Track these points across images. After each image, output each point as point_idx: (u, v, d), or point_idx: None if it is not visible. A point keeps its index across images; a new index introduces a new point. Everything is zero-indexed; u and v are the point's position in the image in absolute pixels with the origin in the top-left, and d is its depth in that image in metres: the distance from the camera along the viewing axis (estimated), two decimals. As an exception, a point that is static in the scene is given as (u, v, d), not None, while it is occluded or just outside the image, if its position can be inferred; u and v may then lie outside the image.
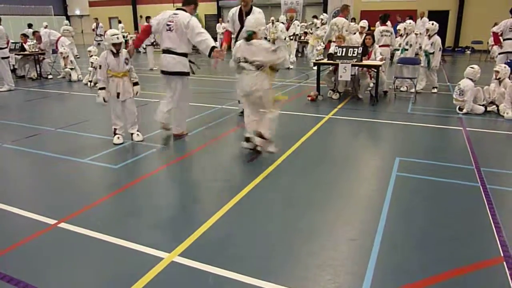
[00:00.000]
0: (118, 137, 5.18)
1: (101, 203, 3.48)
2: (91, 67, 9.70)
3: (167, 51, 4.97)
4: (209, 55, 4.85)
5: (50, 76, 11.37)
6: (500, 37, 8.28)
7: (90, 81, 9.67)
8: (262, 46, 4.30)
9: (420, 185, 3.85)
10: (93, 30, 18.86)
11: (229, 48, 6.02)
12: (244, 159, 4.60)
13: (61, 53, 10.76)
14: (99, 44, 18.13)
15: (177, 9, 5.05)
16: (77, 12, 28.39)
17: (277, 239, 2.89)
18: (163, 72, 5.10)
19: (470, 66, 6.73)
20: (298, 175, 4.13)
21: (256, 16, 4.94)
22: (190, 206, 3.50)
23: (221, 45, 6.19)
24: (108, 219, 3.22)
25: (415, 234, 2.96)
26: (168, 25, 4.90)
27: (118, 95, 5.02)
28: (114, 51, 4.91)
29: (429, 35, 8.15)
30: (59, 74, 11.43)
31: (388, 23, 9.09)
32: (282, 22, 13.68)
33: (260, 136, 4.43)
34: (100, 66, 4.98)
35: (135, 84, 5.18)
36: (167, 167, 4.35)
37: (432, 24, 8.23)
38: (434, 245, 2.81)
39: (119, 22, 19.03)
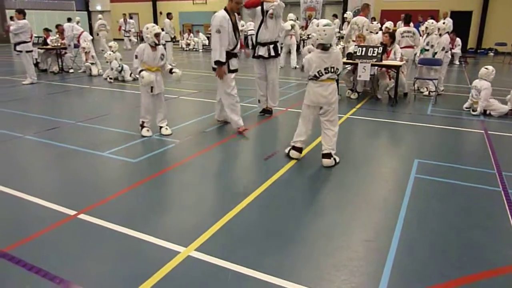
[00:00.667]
0: (148, 130, 5.32)
1: (120, 196, 3.54)
2: (106, 62, 9.86)
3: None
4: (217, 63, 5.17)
5: (71, 70, 11.57)
6: None
7: (111, 78, 9.81)
8: (339, 53, 4.16)
9: (439, 188, 3.79)
10: (120, 27, 19.16)
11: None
12: (262, 156, 4.60)
13: (83, 47, 10.94)
14: (130, 39, 18.43)
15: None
16: (98, 8, 28.81)
17: (293, 238, 2.88)
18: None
19: (485, 67, 6.60)
20: (316, 174, 4.11)
21: (333, 28, 4.16)
22: (208, 201, 3.52)
23: (254, 2, 6.09)
24: (126, 212, 3.26)
25: (433, 237, 2.91)
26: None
27: (151, 89, 5.12)
28: (157, 41, 5.06)
29: (440, 34, 7.99)
30: (80, 69, 11.62)
31: (411, 24, 8.96)
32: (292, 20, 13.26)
33: (329, 156, 4.26)
34: (136, 56, 5.09)
35: (171, 71, 5.30)
36: (186, 162, 4.39)
37: (443, 23, 8.07)
38: (453, 249, 2.77)
39: (130, 17, 19.26)
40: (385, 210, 3.36)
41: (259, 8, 6.03)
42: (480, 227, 3.06)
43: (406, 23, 8.79)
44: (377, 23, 9.84)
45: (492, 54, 17.55)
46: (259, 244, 2.79)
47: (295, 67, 12.00)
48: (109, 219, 3.08)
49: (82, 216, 3.14)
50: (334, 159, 4.29)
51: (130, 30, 19.00)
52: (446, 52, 7.93)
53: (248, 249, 2.72)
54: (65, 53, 11.63)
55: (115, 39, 13.83)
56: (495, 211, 3.33)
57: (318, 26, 4.02)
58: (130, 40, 19.16)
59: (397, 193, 3.65)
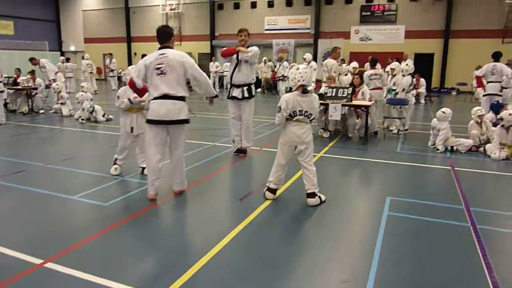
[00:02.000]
0: (116, 168, 5.31)
1: (90, 242, 3.41)
2: (78, 102, 9.79)
3: (164, 96, 4.19)
4: (210, 98, 4.84)
5: (41, 111, 11.38)
6: (484, 80, 8.63)
7: (82, 119, 9.68)
8: (316, 100, 4.30)
9: (411, 225, 3.86)
10: (106, 66, 19.18)
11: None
12: (238, 196, 4.59)
13: (54, 88, 10.85)
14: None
15: (160, 47, 4.28)
16: (72, 48, 28.86)
17: (269, 280, 2.84)
18: (159, 122, 4.23)
19: (441, 110, 6.98)
20: (291, 214, 4.12)
21: (310, 70, 4.45)
22: (180, 247, 3.44)
23: (229, 52, 6.25)
24: (96, 259, 3.14)
25: (407, 277, 2.94)
26: (158, 68, 4.14)
27: (132, 129, 5.19)
28: None
29: (403, 75, 8.42)
30: (51, 109, 11.46)
31: (378, 66, 9.39)
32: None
33: (313, 196, 4.29)
34: (118, 97, 5.17)
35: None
36: (161, 204, 4.31)
37: (407, 64, 8.54)
38: (427, 287, 2.79)
39: (110, 56, 19.35)
40: (360, 249, 3.38)
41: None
42: (453, 264, 3.11)
43: (372, 66, 9.21)
44: (347, 65, 10.26)
45: (454, 93, 18.50)
46: (235, 289, 2.73)
47: None
48: (79, 267, 2.95)
49: (49, 265, 3.00)
50: (319, 197, 4.33)
51: (114, 70, 19.01)
52: (407, 92, 8.30)
53: (224, 294, 2.66)
54: (36, 93, 11.47)
55: (96, 79, 13.82)
56: (465, 247, 3.40)
57: (298, 69, 4.19)
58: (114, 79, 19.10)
59: (372, 231, 3.69)
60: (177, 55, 4.23)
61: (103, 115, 9.80)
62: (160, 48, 4.28)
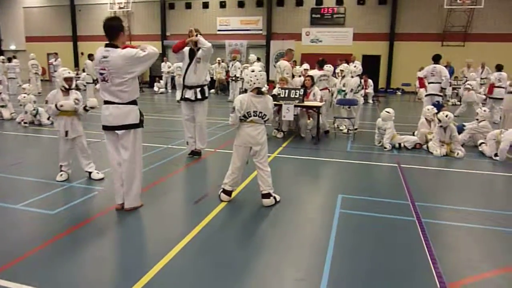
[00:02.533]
0: (61, 175, 5.13)
1: (36, 254, 3.23)
2: (20, 105, 9.27)
3: (108, 102, 3.96)
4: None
5: (-21, 114, 10.61)
6: (425, 81, 9.15)
7: (25, 122, 9.14)
8: (271, 102, 4.31)
9: (362, 221, 4.02)
10: (50, 64, 18.12)
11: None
12: (193, 199, 4.54)
13: (-6, 90, 10.17)
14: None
15: (106, 45, 3.88)
16: (13, 47, 27.15)
17: (225, 282, 2.84)
18: (107, 127, 4.03)
19: (385, 110, 7.37)
20: (247, 215, 4.14)
21: (264, 73, 4.34)
22: (134, 253, 3.35)
23: (180, 45, 6.11)
24: (42, 271, 2.98)
25: (360, 272, 3.05)
26: (101, 73, 3.84)
27: (66, 133, 5.01)
28: (66, 86, 5.02)
29: (351, 76, 8.78)
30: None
31: (326, 67, 9.65)
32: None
33: (268, 196, 4.33)
34: (47, 101, 4.99)
35: (85, 108, 5.09)
36: (111, 211, 4.16)
37: (355, 66, 8.90)
38: (378, 282, 2.92)
39: (55, 55, 18.42)
40: (314, 246, 3.46)
41: (186, 51, 6.14)
42: (401, 258, 3.28)
43: (320, 67, 9.45)
44: (299, 67, 10.42)
45: (399, 93, 19.44)
46: (191, 294, 2.71)
47: None
48: (25, 280, 2.79)
49: (-10, 279, 2.82)
50: (274, 197, 4.38)
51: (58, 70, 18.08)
52: (355, 93, 8.63)
53: (180, 300, 2.63)
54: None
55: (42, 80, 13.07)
56: (412, 241, 3.59)
57: (253, 71, 4.21)
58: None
59: (324, 229, 3.80)
60: (117, 58, 3.76)
61: (48, 118, 9.31)
62: (106, 46, 3.87)
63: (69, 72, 5.10)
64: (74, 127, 5.06)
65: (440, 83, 8.94)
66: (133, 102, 4.02)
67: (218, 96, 17.38)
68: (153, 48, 3.90)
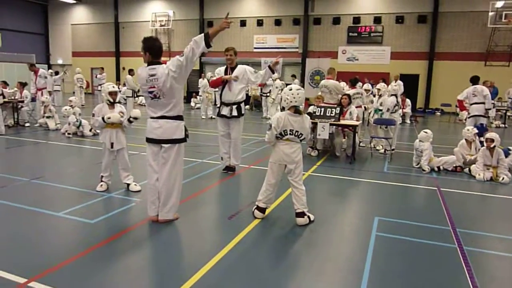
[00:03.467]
0: (102, 185, 5.29)
1: (76, 261, 3.34)
2: (63, 116, 9.72)
3: (160, 117, 4.08)
4: (207, 42, 3.86)
5: (27, 124, 11.23)
6: (466, 103, 8.90)
7: (69, 133, 9.57)
8: (308, 121, 4.33)
9: (399, 246, 3.89)
10: (95, 77, 19.07)
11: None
12: (226, 215, 4.56)
13: (43, 102, 10.75)
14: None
15: (149, 63, 4.05)
16: (60, 61, 28.67)
17: (259, 302, 2.81)
18: (153, 140, 4.12)
19: (424, 130, 7.17)
20: (280, 234, 4.10)
21: (303, 91, 4.30)
22: (168, 267, 3.39)
23: (217, 83, 6.34)
24: (82, 278, 3.07)
25: (397, 297, 2.94)
26: (150, 92, 3.98)
27: (112, 145, 5.19)
28: (111, 100, 5.23)
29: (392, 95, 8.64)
30: (36, 122, 11.31)
31: (364, 86, 9.55)
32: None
33: (302, 215, 4.30)
34: (93, 114, 5.20)
35: (129, 119, 5.29)
36: (147, 223, 4.25)
37: (395, 85, 8.76)
38: (416, 309, 2.80)
39: (102, 70, 19.25)
40: (349, 270, 3.38)
41: (223, 70, 6.30)
42: (441, 285, 3.13)
43: (353, 85, 9.36)
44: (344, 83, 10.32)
45: (439, 113, 18.89)
46: (224, 311, 2.69)
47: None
48: (64, 286, 2.89)
49: (33, 284, 2.92)
50: (308, 217, 4.33)
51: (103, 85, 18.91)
52: (392, 112, 8.47)
53: (213, 316, 2.62)
54: (22, 106, 11.34)
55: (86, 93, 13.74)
56: (453, 269, 3.43)
57: (291, 90, 4.23)
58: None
59: (360, 252, 3.70)
60: (164, 73, 3.93)
61: (90, 130, 9.71)
62: (149, 64, 4.03)
63: (113, 87, 5.33)
64: (119, 139, 5.24)
65: (484, 103, 8.64)
66: (181, 118, 4.16)
67: (253, 112, 17.53)
68: (188, 48, 3.89)
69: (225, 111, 6.33)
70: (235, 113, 6.30)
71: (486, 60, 18.52)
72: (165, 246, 3.76)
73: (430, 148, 7.06)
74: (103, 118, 5.11)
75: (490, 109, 8.88)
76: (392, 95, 8.60)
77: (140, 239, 3.88)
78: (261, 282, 3.09)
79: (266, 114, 15.07)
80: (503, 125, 14.30)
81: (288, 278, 3.19)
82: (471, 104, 8.91)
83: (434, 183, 6.28)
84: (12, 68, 22.06)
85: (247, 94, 16.51)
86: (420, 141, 7.14)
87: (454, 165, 7.02)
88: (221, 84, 6.31)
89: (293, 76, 17.50)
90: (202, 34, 3.88)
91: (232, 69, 6.29)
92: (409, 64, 19.77)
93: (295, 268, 3.36)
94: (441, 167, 7.02)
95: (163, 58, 4.14)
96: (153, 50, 4.06)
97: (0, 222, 4.24)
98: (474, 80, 9.00)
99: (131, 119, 5.29)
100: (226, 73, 6.29)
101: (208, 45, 3.86)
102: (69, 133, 9.56)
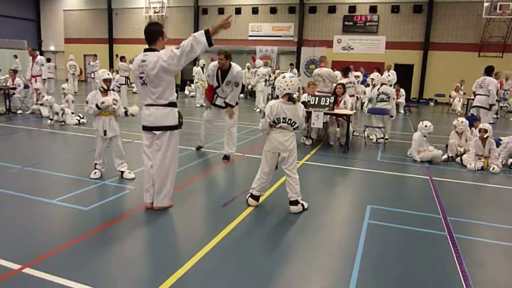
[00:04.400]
0: (95, 172, 5.29)
1: (70, 247, 3.35)
2: (44, 105, 9.63)
3: (149, 105, 4.06)
4: (209, 40, 3.82)
5: (19, 111, 11.12)
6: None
7: (51, 119, 9.42)
8: (301, 110, 4.31)
9: (391, 233, 3.94)
10: (89, 64, 18.86)
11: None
12: (220, 202, 4.59)
13: (36, 89, 10.62)
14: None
15: (145, 50, 4.03)
16: (52, 48, 28.32)
17: (250, 287, 2.86)
18: (146, 128, 4.12)
19: (425, 124, 7.09)
20: (274, 221, 4.14)
21: (297, 79, 4.31)
22: (162, 254, 3.41)
23: (210, 94, 6.53)
24: (76, 264, 3.09)
25: (387, 284, 3.00)
26: (140, 77, 3.96)
27: (105, 132, 5.18)
28: (105, 87, 5.21)
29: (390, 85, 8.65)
30: (29, 110, 11.20)
31: (355, 73, 9.56)
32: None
33: (296, 203, 4.34)
34: (87, 101, 5.19)
35: (126, 113, 5.36)
36: (141, 210, 4.26)
37: (389, 75, 8.75)
38: (406, 295, 2.86)
39: (94, 57, 19.03)
40: (341, 256, 3.43)
41: (215, 73, 6.38)
42: (431, 273, 3.19)
43: (345, 75, 9.35)
44: (338, 71, 10.31)
45: (432, 104, 18.98)
46: (218, 296, 2.73)
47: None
48: (58, 273, 2.90)
49: (27, 270, 2.94)
50: (302, 205, 4.37)
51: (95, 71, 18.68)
52: (383, 101, 8.50)
53: (207, 301, 2.66)
54: (13, 93, 11.21)
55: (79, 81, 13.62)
56: (443, 256, 3.50)
57: (284, 78, 4.24)
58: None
59: (352, 238, 3.75)
60: (154, 61, 3.85)
61: (79, 117, 9.55)
62: (145, 50, 4.01)
63: (108, 74, 5.29)
64: (112, 126, 5.24)
65: (488, 95, 8.58)
66: (173, 104, 4.11)
67: (247, 101, 17.48)
68: (185, 43, 3.84)
69: (219, 101, 6.43)
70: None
71: (480, 51, 18.58)
72: (159, 233, 3.78)
73: (418, 139, 7.07)
74: (97, 104, 5.08)
75: (494, 104, 8.78)
76: (382, 84, 8.60)
77: (134, 226, 3.90)
78: (254, 269, 3.14)
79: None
80: (495, 116, 14.41)
81: (281, 264, 3.23)
82: (476, 95, 8.91)
83: (426, 172, 6.34)
84: (4, 55, 21.78)
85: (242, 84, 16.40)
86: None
87: (446, 156, 7.07)
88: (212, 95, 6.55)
89: (291, 65, 17.43)
90: (203, 31, 3.81)
91: (223, 72, 6.28)
92: (404, 54, 19.79)
93: (288, 255, 3.41)
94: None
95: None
96: (146, 35, 4.03)
97: (-6, 209, 4.24)
98: (488, 71, 8.79)
99: (128, 113, 5.34)
100: (217, 75, 6.32)
101: (210, 43, 3.81)
102: (55, 121, 9.36)
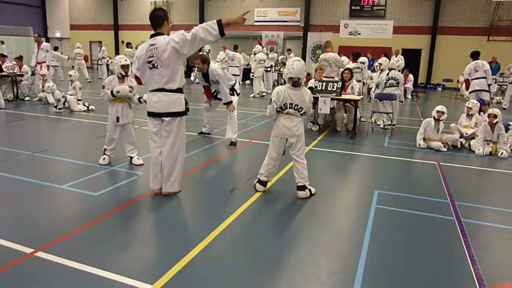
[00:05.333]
0: (104, 158, 5.32)
1: (81, 232, 3.41)
2: (47, 92, 9.69)
3: (157, 90, 4.03)
4: (221, 30, 3.83)
5: (27, 98, 11.18)
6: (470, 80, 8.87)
7: (55, 106, 9.44)
8: (308, 95, 4.28)
9: (398, 218, 3.95)
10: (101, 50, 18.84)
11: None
12: (228, 188, 4.61)
13: (42, 75, 10.64)
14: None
15: (152, 35, 4.02)
16: (57, 35, 28.26)
17: (260, 272, 2.89)
18: (154, 114, 4.10)
19: (440, 106, 7.01)
20: (281, 206, 4.17)
21: (302, 63, 4.21)
22: (170, 238, 3.45)
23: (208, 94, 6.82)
24: (87, 248, 3.14)
25: (395, 268, 3.02)
26: (149, 61, 3.93)
27: (117, 119, 5.21)
28: (123, 73, 5.21)
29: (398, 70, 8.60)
30: (36, 97, 11.26)
31: (361, 59, 9.46)
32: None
33: (303, 188, 4.34)
34: (104, 86, 5.23)
35: (140, 100, 5.51)
36: (149, 196, 4.31)
37: (398, 60, 8.68)
38: (414, 279, 2.88)
39: (100, 43, 18.98)
40: (349, 241, 3.45)
41: (201, 75, 6.53)
42: (439, 257, 3.21)
43: (355, 60, 9.28)
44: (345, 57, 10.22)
45: (440, 89, 18.77)
46: (227, 280, 2.77)
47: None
48: (69, 256, 2.95)
49: (40, 254, 2.99)
50: (309, 190, 4.38)
51: (104, 58, 18.64)
52: (390, 86, 8.45)
53: (215, 285, 2.70)
54: (21, 80, 11.26)
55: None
56: (450, 240, 3.51)
57: (289, 62, 4.22)
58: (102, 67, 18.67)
59: (360, 224, 3.77)
60: (165, 43, 3.85)
61: (86, 106, 9.58)
62: (152, 36, 3.99)
63: (126, 60, 5.24)
64: (125, 113, 5.25)
65: (485, 77, 8.61)
66: (180, 90, 4.09)
67: (252, 87, 17.38)
68: (197, 29, 3.86)
69: (219, 94, 6.69)
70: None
71: (489, 35, 18.28)
72: (168, 218, 3.82)
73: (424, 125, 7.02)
74: (112, 92, 5.09)
75: (491, 84, 8.86)
76: (391, 69, 8.52)
77: (143, 211, 3.95)
78: (263, 253, 3.17)
79: (266, 90, 14.73)
80: (503, 100, 14.24)
81: (289, 249, 3.26)
82: (473, 79, 8.86)
83: (434, 157, 6.32)
84: (9, 42, 21.77)
85: (249, 69, 16.26)
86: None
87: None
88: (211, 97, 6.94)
89: (289, 50, 17.25)
90: (215, 21, 3.81)
91: (204, 74, 6.37)
92: (412, 39, 19.52)
93: (297, 240, 3.44)
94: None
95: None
96: (151, 20, 4.02)
97: (5, 194, 4.30)
98: (475, 56, 8.96)
99: (141, 100, 5.41)
100: (203, 77, 6.46)
101: (222, 33, 3.82)
102: (59, 108, 9.38)
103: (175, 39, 3.85)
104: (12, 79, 11.01)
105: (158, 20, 4.00)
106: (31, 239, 3.21)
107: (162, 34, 3.98)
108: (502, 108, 9.74)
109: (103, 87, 5.22)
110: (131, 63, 5.01)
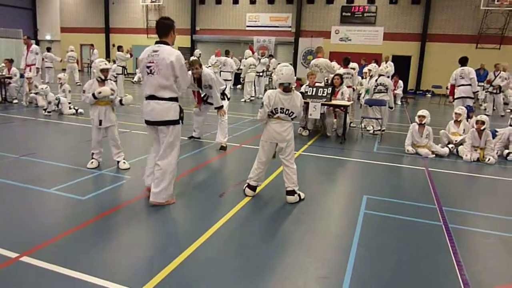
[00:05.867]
0: (92, 162, 5.28)
1: (67, 236, 3.36)
2: (38, 94, 9.60)
3: (150, 97, 4.01)
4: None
5: (15, 101, 11.04)
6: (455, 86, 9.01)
7: (49, 111, 9.34)
8: (299, 99, 4.28)
9: (387, 223, 3.98)
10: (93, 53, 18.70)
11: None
12: (217, 192, 4.60)
13: (28, 78, 10.53)
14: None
15: (157, 42, 4.04)
16: (48, 37, 28.04)
17: (248, 277, 2.88)
18: (148, 122, 4.12)
19: (421, 111, 7.08)
20: (270, 211, 4.17)
21: (290, 68, 4.23)
22: (158, 243, 3.43)
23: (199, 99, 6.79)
24: (74, 253, 3.10)
25: (383, 273, 3.03)
26: (148, 67, 3.93)
27: (100, 122, 5.17)
28: (103, 77, 5.20)
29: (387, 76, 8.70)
30: (23, 99, 11.11)
31: (352, 65, 9.54)
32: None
33: (292, 193, 4.34)
34: (84, 91, 5.19)
35: (121, 101, 5.44)
36: (137, 200, 4.27)
37: (387, 66, 8.78)
38: (401, 284, 2.89)
39: (92, 47, 18.87)
40: (338, 246, 3.46)
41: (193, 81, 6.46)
42: (426, 262, 3.23)
43: (345, 66, 9.35)
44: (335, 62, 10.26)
45: (429, 95, 18.98)
46: (216, 285, 2.76)
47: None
48: (55, 261, 2.91)
49: (24, 258, 2.95)
50: (299, 195, 4.39)
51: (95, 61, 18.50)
52: (380, 92, 8.53)
53: (204, 289, 2.68)
54: (9, 82, 11.13)
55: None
56: (438, 246, 3.53)
57: (277, 68, 4.25)
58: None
59: (349, 228, 3.78)
60: (168, 54, 3.88)
61: (75, 109, 9.50)
62: (156, 43, 4.01)
63: (105, 64, 5.27)
64: (108, 116, 5.22)
65: (470, 85, 8.73)
66: (174, 99, 4.06)
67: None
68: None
69: (210, 99, 6.67)
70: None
71: (478, 43, 18.57)
72: (155, 222, 3.80)
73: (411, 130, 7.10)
74: (93, 94, 5.06)
75: (477, 91, 8.95)
76: (379, 75, 8.61)
77: (131, 216, 3.90)
78: (251, 257, 3.16)
79: (257, 95, 14.77)
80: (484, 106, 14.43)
81: (278, 254, 3.25)
82: (458, 86, 8.99)
83: (422, 163, 6.38)
84: (-2, 44, 21.56)
85: (240, 74, 16.29)
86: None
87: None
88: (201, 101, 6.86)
89: (270, 56, 17.03)
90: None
91: (196, 79, 6.33)
92: (402, 45, 19.76)
93: (286, 245, 3.43)
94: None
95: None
96: (158, 27, 4.02)
97: (-10, 198, 4.23)
98: (463, 62, 9.04)
99: (123, 102, 5.38)
100: (194, 81, 6.35)
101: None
102: (48, 111, 9.29)
103: (177, 64, 3.91)
104: (1, 81, 10.88)
105: (166, 29, 4.01)
106: (16, 243, 3.16)
107: (167, 43, 3.99)
108: (500, 116, 9.80)
109: (84, 91, 5.20)
110: (111, 68, 5.07)
